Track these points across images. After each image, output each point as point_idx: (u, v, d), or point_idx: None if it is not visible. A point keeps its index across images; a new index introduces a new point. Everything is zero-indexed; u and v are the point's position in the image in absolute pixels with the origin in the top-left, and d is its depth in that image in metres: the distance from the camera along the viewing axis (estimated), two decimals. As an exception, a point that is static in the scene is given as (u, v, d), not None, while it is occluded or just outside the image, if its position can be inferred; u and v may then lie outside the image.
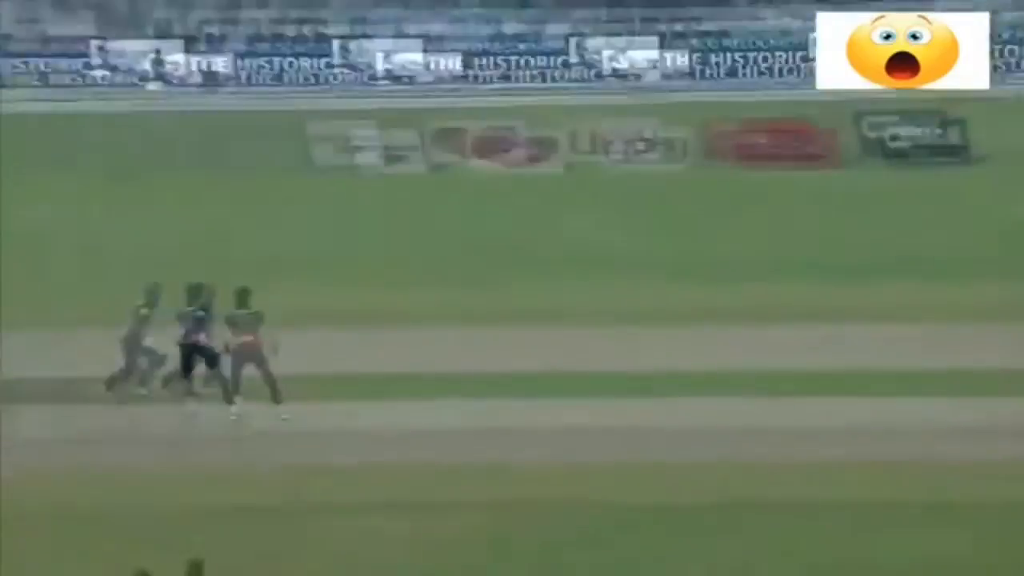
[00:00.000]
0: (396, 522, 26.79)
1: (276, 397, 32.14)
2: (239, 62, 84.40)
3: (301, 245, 48.73)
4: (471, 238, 49.77)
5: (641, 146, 63.69)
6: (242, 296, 32.72)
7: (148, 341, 33.00)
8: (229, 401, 32.58)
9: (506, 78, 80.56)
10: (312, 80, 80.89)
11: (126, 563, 22.52)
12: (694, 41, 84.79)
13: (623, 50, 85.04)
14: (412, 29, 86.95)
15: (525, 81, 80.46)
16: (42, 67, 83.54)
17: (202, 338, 32.52)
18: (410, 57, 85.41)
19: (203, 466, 29.82)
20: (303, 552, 25.78)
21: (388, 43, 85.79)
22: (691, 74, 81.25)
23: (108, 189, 56.52)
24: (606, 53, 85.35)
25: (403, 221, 52.66)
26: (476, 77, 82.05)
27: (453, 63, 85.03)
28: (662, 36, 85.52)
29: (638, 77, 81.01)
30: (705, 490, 28.58)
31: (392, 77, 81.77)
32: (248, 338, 32.14)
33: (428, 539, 26.28)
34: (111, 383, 33.01)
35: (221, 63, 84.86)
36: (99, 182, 57.61)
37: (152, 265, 38.89)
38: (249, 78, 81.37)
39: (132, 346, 33.04)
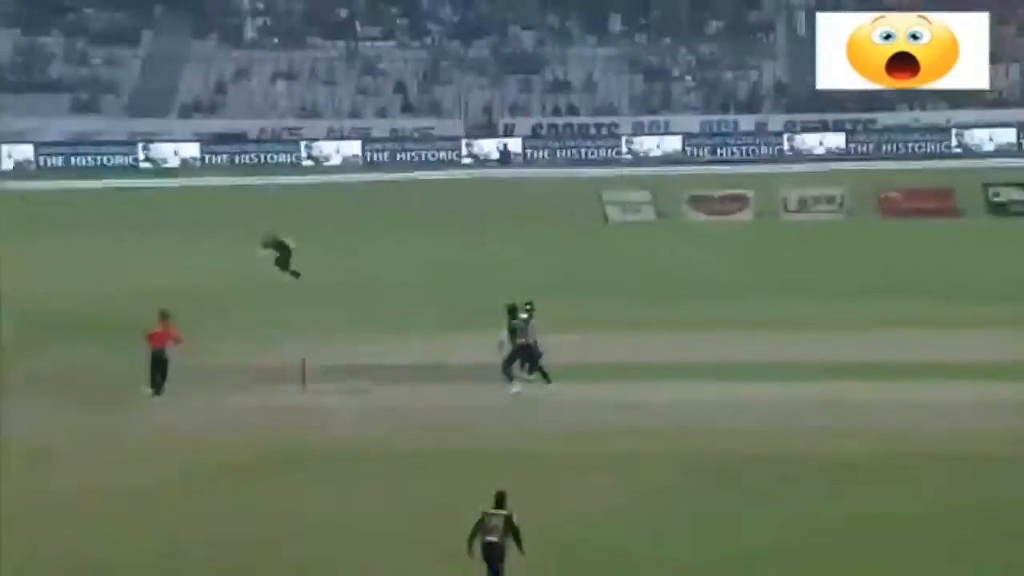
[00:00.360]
0: (643, 467, 25.62)
1: (547, 379, 31.03)
2: (560, 152, 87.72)
3: (600, 273, 47.68)
4: (709, 270, 48.13)
5: (836, 204, 61.76)
6: (514, 311, 31.35)
7: (523, 340, 31.54)
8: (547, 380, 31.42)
9: (730, 160, 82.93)
10: (605, 161, 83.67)
11: (462, 491, 23.03)
12: (873, 135, 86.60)
13: (820, 139, 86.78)
14: (675, 127, 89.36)
15: (750, 160, 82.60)
16: (424, 155, 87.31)
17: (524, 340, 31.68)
18: (674, 145, 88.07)
19: (509, 425, 28.96)
20: (569, 486, 24.94)
21: (658, 138, 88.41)
22: (868, 154, 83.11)
23: (466, 233, 56.66)
24: (808, 140, 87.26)
25: (666, 258, 51.27)
26: (716, 159, 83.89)
27: (704, 151, 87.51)
28: (848, 130, 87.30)
29: (830, 157, 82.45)
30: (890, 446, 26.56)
31: (663, 159, 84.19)
32: (523, 341, 31.06)
33: (668, 480, 25.09)
34: (506, 366, 31.79)
35: (547, 152, 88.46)
36: (461, 229, 57.66)
37: (505, 286, 37.80)
38: (553, 159, 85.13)
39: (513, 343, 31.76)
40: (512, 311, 31.67)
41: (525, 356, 31.22)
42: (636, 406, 29.94)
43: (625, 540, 22.46)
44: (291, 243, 44.36)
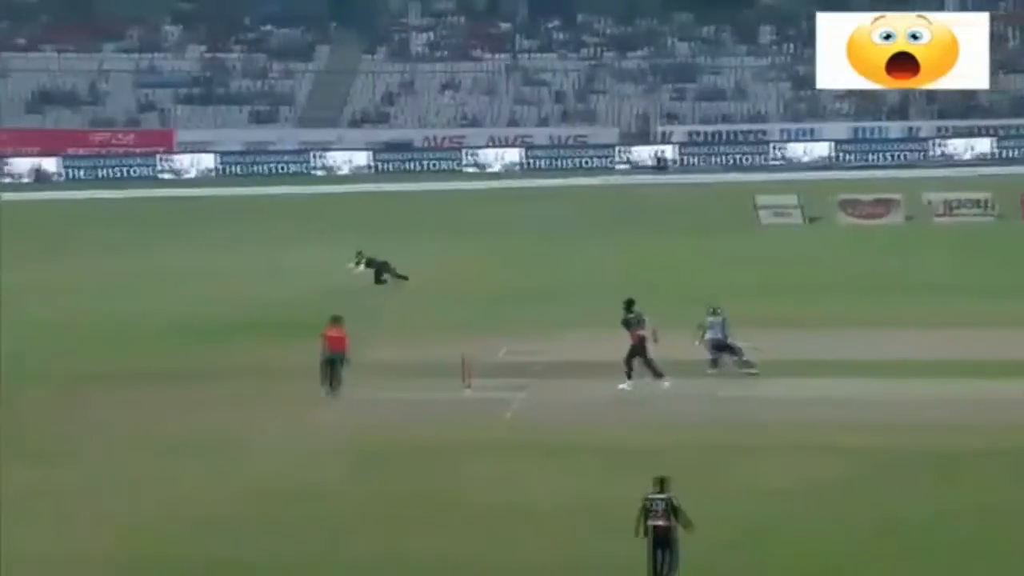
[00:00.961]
0: (804, 460, 24.67)
1: (657, 374, 29.54)
2: (713, 158, 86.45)
3: (753, 274, 45.67)
4: (852, 271, 46.25)
5: (985, 208, 59.51)
6: (629, 305, 29.92)
7: (728, 339, 30.88)
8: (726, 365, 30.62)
9: (879, 165, 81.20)
10: (756, 167, 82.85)
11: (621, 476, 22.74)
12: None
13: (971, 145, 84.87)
14: (823, 134, 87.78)
15: (900, 165, 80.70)
16: (581, 162, 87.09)
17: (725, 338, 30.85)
18: (820, 151, 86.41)
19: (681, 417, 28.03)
20: (732, 477, 24.09)
21: (806, 144, 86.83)
22: (1016, 158, 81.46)
23: (622, 236, 55.77)
24: (957, 145, 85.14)
25: (819, 259, 49.91)
26: (866, 164, 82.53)
27: (854, 156, 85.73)
28: (999, 136, 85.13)
29: (978, 163, 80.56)
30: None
31: (811, 165, 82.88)
32: (640, 333, 29.67)
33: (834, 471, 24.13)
34: (712, 364, 30.91)
35: (700, 158, 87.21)
36: (617, 232, 56.59)
37: (661, 287, 37.13)
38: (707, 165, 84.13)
39: (717, 343, 31.00)
40: (628, 305, 30.07)
41: (640, 352, 29.83)
42: (799, 402, 29.16)
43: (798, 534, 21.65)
44: (381, 258, 44.30)
